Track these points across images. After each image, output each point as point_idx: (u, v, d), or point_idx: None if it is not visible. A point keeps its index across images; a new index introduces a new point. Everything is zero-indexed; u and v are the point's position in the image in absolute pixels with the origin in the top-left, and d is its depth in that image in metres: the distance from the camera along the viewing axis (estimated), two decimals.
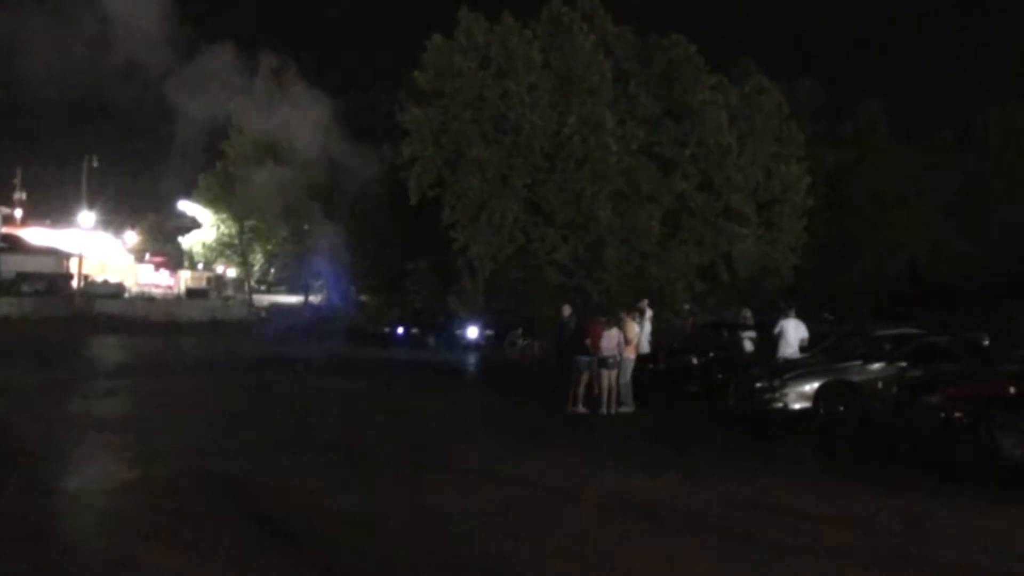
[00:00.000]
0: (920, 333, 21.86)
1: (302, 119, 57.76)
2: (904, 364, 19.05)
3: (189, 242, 73.06)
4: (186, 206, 73.33)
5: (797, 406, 19.06)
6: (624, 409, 20.22)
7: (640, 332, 22.47)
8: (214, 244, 71.34)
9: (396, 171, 45.53)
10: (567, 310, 23.36)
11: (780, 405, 19.17)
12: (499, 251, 45.32)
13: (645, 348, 23.26)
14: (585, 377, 20.42)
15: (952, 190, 55.85)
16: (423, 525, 10.18)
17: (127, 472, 12.99)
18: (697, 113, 47.00)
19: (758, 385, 19.82)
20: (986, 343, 20.68)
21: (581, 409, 20.08)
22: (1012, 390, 15.57)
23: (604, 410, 20.03)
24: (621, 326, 20.84)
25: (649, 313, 25.62)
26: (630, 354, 20.80)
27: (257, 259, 73.25)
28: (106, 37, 47.84)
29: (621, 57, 48.05)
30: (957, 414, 15.73)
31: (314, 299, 70.21)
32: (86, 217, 69.12)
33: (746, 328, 23.73)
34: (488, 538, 9.65)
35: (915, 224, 54.14)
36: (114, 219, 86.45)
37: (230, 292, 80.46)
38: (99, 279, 73.83)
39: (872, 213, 54.30)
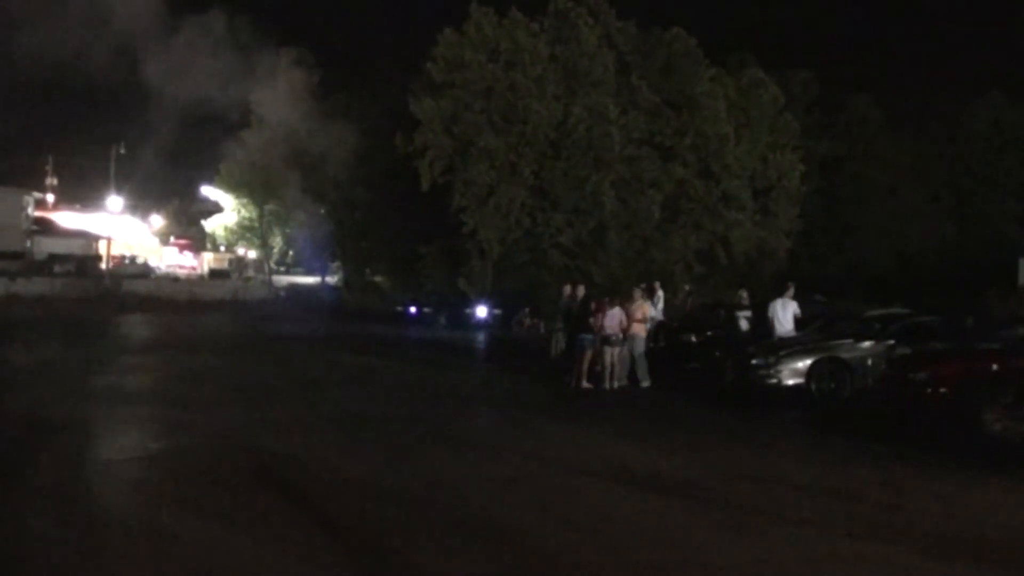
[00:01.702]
0: (908, 314, 22.36)
1: (319, 110, 59.62)
2: (892, 343, 19.63)
3: (212, 225, 74.57)
4: (209, 191, 74.91)
5: (790, 382, 19.46)
6: (644, 384, 20.86)
7: (653, 310, 23.52)
8: (235, 227, 72.85)
9: (409, 159, 46.64)
10: (568, 289, 24.31)
11: (774, 381, 19.55)
12: (507, 235, 46.23)
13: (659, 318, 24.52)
14: (589, 354, 20.93)
15: (940, 180, 57.11)
16: (435, 495, 10.44)
17: (155, 443, 13.38)
18: (696, 104, 47.79)
19: (753, 362, 20.25)
20: (970, 323, 21.15)
21: (585, 385, 20.69)
22: (995, 368, 15.82)
23: (607, 385, 20.60)
24: (631, 305, 21.42)
25: (660, 293, 27.21)
26: (640, 331, 21.40)
27: (276, 241, 74.98)
28: (133, 28, 49.69)
29: (624, 50, 48.86)
30: (942, 390, 15.94)
31: (331, 279, 71.88)
32: (114, 201, 70.69)
33: (742, 308, 24.78)
34: (495, 507, 9.96)
35: (904, 212, 55.39)
36: (141, 203, 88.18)
37: (250, 273, 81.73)
38: (126, 260, 75.56)
39: (863, 201, 55.71)
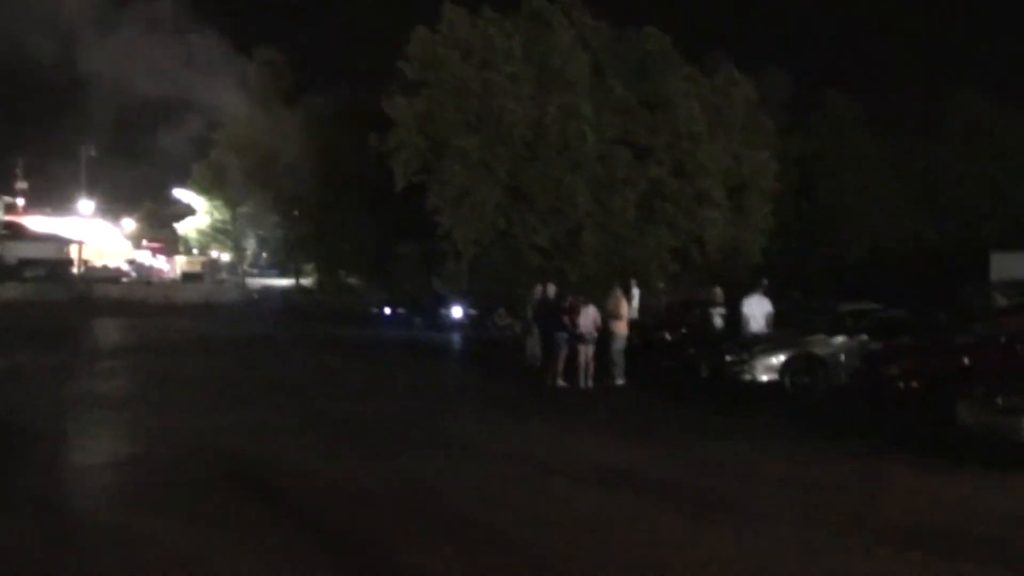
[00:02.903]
0: (880, 309, 22.79)
1: (292, 111, 59.48)
2: (865, 337, 19.98)
3: (184, 228, 74.52)
4: (181, 194, 74.73)
5: (765, 378, 19.74)
6: (618, 382, 21.02)
7: (629, 308, 23.45)
8: (208, 230, 72.79)
9: (382, 159, 46.41)
10: (539, 289, 24.10)
11: (749, 377, 19.84)
12: (482, 235, 46.12)
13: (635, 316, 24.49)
14: (564, 353, 21.09)
15: (914, 177, 57.42)
16: (412, 495, 10.59)
17: (129, 448, 13.35)
18: (671, 103, 47.71)
19: (728, 358, 20.54)
20: (943, 318, 21.40)
21: (560, 383, 20.86)
22: (966, 362, 16.20)
23: (582, 384, 20.70)
24: (609, 303, 21.75)
25: (636, 291, 27.29)
26: (620, 329, 21.57)
27: (250, 244, 74.85)
28: (103, 29, 49.43)
29: (598, 49, 48.73)
30: (915, 384, 16.43)
31: (305, 281, 71.71)
32: (85, 205, 70.45)
33: (716, 305, 24.59)
34: (472, 506, 10.02)
35: (878, 208, 55.69)
36: (112, 207, 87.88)
37: (224, 276, 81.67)
38: (98, 264, 75.30)
39: (837, 198, 55.95)
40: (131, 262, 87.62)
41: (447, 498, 10.45)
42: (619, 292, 22.48)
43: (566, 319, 21.41)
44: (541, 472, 11.86)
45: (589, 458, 12.76)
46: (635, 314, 25.35)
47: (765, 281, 22.90)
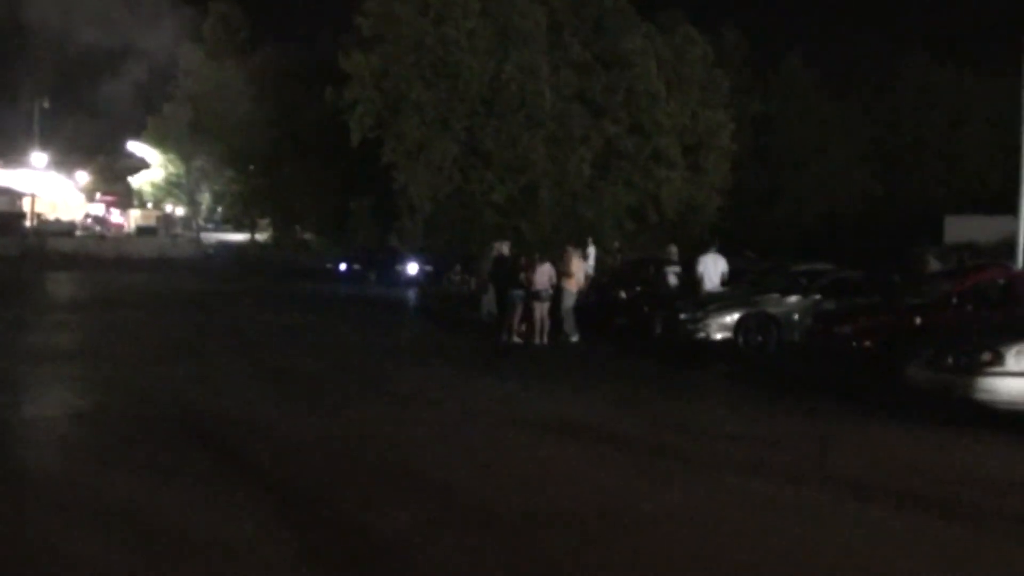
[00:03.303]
0: (833, 269, 22.54)
1: (247, 65, 58.95)
2: (819, 297, 20.02)
3: (139, 182, 73.85)
4: (136, 147, 73.89)
5: (719, 336, 19.86)
6: (572, 339, 21.02)
7: (584, 266, 23.60)
8: (162, 184, 72.17)
9: (338, 114, 46.23)
10: (496, 246, 24.09)
11: (703, 335, 19.96)
12: (438, 191, 46.19)
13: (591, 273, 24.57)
14: (519, 309, 21.12)
15: (868, 139, 57.89)
16: (366, 448, 10.50)
17: (82, 400, 13.13)
18: (627, 61, 47.76)
19: (682, 317, 20.63)
20: (896, 279, 21.13)
21: (516, 340, 20.89)
22: (918, 321, 16.19)
23: (537, 340, 20.71)
24: (563, 260, 21.65)
25: (592, 250, 27.31)
26: (571, 287, 21.48)
27: (204, 198, 74.27)
28: None
29: (555, 6, 48.60)
30: (867, 344, 16.52)
31: (260, 237, 71.35)
32: (38, 157, 69.44)
33: (671, 264, 24.77)
34: (426, 459, 9.96)
35: (833, 170, 56.16)
36: (66, 159, 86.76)
37: (179, 230, 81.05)
38: (51, 218, 74.47)
39: (792, 159, 56.34)
40: (92, 217, 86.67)
41: (402, 451, 10.38)
42: (571, 250, 22.48)
43: (522, 276, 21.37)
44: (496, 427, 11.81)
45: (544, 414, 12.66)
46: (591, 271, 25.40)
47: (716, 241, 22.95)
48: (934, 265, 22.20)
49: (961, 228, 43.67)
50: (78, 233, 70.90)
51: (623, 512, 8.24)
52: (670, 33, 51.37)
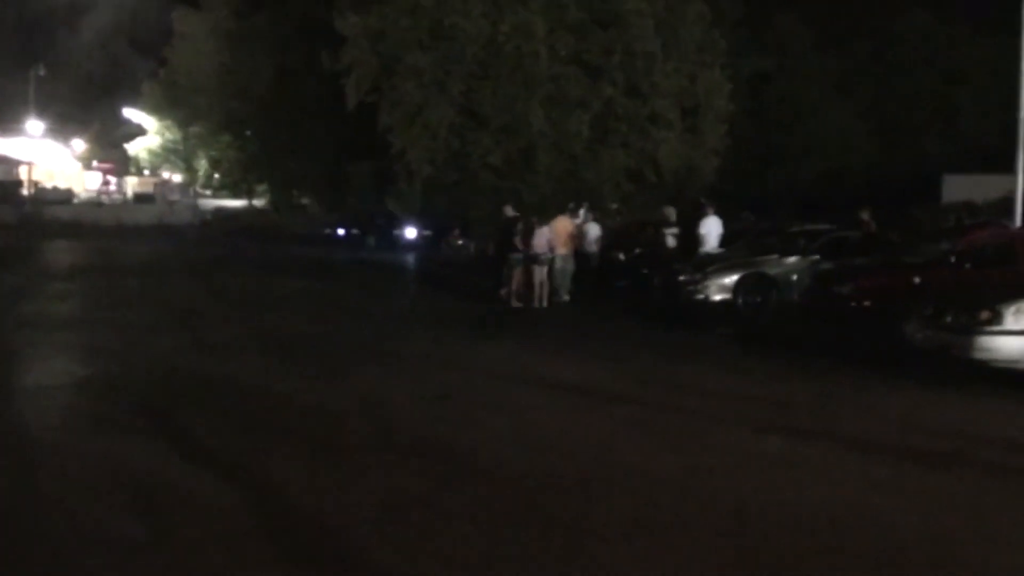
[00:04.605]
0: (832, 229, 22.58)
1: (242, 28, 58.60)
2: (817, 257, 20.17)
3: (135, 149, 73.64)
4: (131, 113, 73.66)
5: (718, 297, 20.14)
6: (564, 298, 21.38)
7: (579, 230, 23.74)
8: (159, 150, 72.02)
9: (335, 78, 45.95)
10: (506, 211, 23.87)
11: (702, 297, 20.26)
12: (435, 155, 45.91)
13: (593, 247, 24.55)
14: (518, 273, 21.30)
15: (866, 98, 57.62)
16: (366, 411, 10.54)
17: (84, 368, 13.12)
18: (624, 21, 47.17)
19: (681, 278, 20.92)
20: (895, 238, 21.30)
21: (515, 303, 21.06)
22: (916, 280, 16.34)
23: (536, 303, 20.93)
24: (550, 227, 21.78)
25: (583, 212, 27.20)
26: (564, 250, 21.76)
27: (201, 164, 74.07)
28: None
29: None
30: (866, 303, 16.78)
31: (258, 203, 71.16)
32: (34, 125, 69.13)
33: (669, 226, 24.44)
34: (427, 422, 9.97)
35: (830, 130, 55.95)
36: (62, 127, 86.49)
37: (176, 197, 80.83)
38: (48, 186, 74.24)
39: (790, 119, 56.09)
40: (106, 183, 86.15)
41: (402, 414, 10.44)
42: (567, 215, 22.72)
43: (516, 239, 21.46)
44: (496, 390, 11.89)
45: (545, 376, 12.72)
46: (599, 231, 25.33)
47: (712, 205, 23.13)
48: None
49: (960, 187, 43.60)
50: (75, 201, 70.60)
51: (631, 473, 8.26)
52: None
